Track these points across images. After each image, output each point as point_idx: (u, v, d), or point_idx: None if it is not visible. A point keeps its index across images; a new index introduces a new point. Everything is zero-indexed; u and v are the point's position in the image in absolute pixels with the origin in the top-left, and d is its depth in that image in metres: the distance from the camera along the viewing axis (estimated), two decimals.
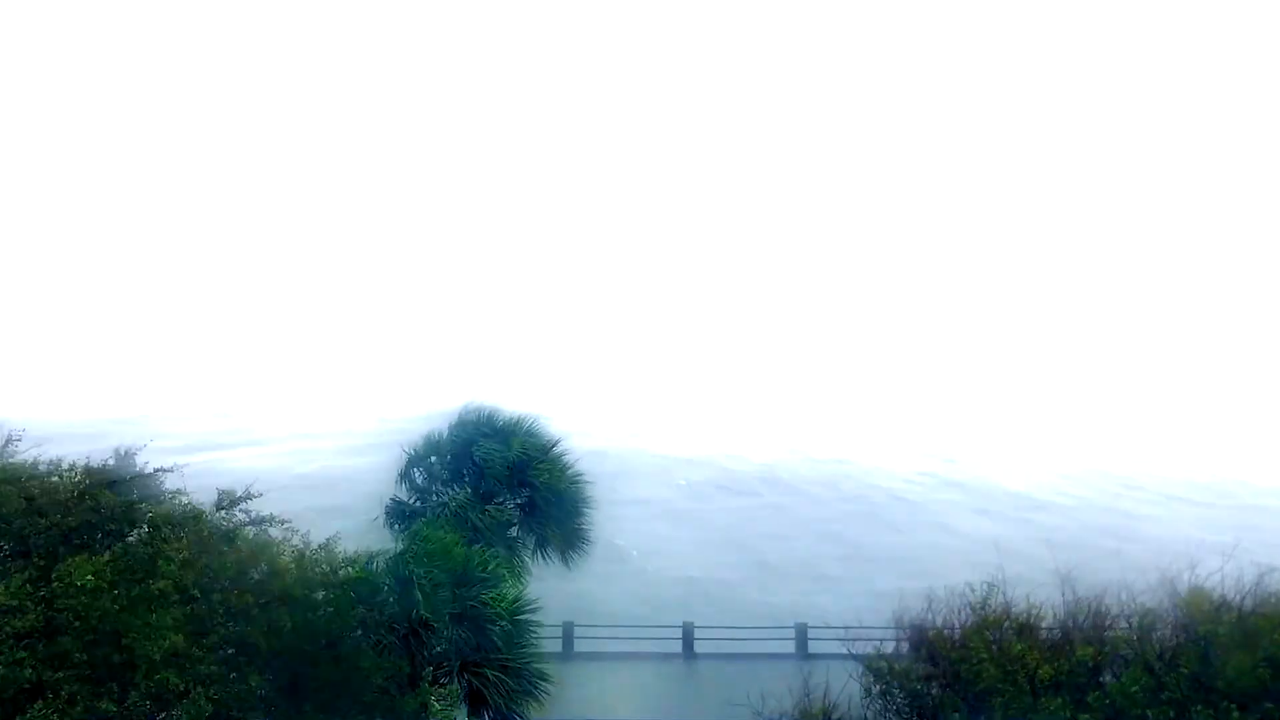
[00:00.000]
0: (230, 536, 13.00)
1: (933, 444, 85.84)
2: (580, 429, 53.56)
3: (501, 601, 15.49)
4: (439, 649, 15.04)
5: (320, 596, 13.25)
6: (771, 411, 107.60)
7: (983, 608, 14.00)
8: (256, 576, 12.74)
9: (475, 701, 15.18)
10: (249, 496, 13.68)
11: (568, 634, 28.33)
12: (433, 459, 20.57)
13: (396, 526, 18.87)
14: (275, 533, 13.76)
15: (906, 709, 13.22)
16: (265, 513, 13.68)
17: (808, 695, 13.88)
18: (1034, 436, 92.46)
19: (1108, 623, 13.18)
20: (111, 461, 13.29)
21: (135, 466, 13.52)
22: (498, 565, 16.65)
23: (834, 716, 13.50)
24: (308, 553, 13.61)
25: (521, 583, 18.48)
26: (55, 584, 10.86)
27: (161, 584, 11.29)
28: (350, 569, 13.75)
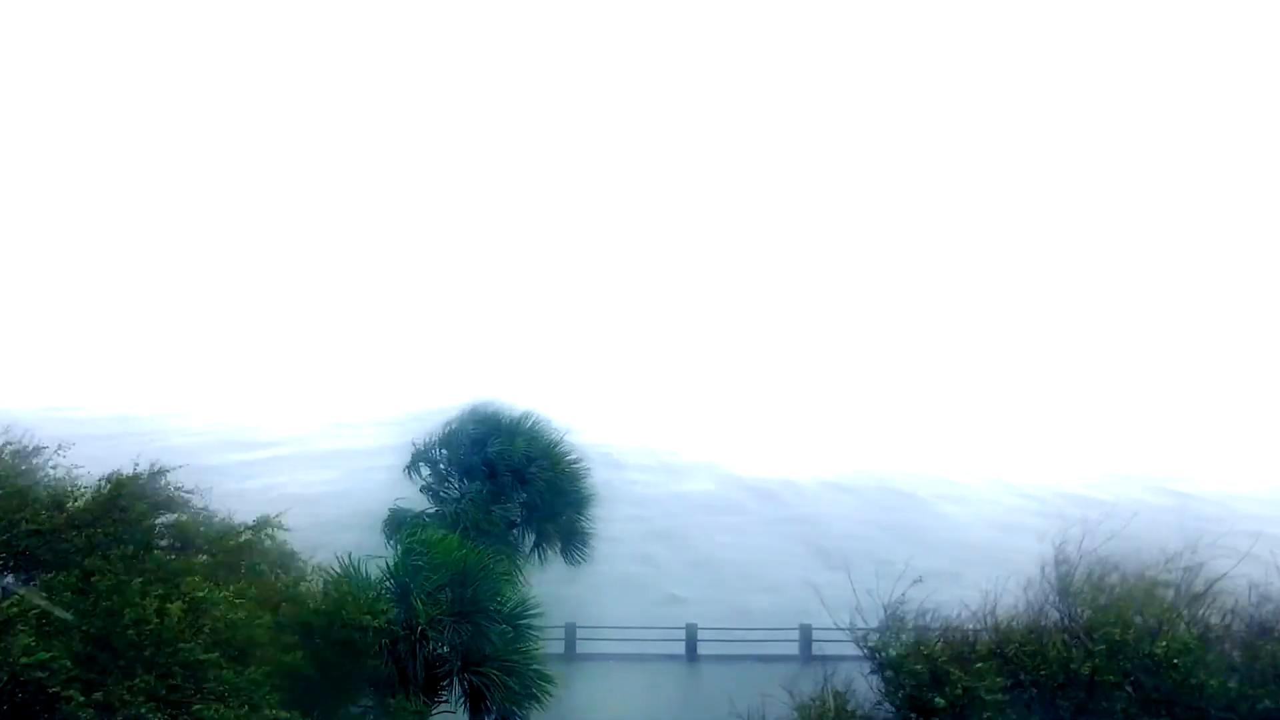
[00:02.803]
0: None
1: (937, 446, 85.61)
2: (584, 427, 53.52)
3: (502, 601, 15.40)
4: (439, 650, 14.95)
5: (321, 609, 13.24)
6: (776, 416, 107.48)
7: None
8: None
9: (476, 703, 15.05)
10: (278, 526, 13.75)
11: (570, 636, 28.17)
12: (436, 458, 20.52)
13: (400, 531, 18.77)
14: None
15: (913, 703, 12.97)
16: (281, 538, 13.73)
17: (821, 693, 13.67)
18: (1043, 436, 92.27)
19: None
20: (140, 471, 13.05)
21: (160, 478, 13.30)
22: (499, 565, 16.56)
23: (842, 715, 13.31)
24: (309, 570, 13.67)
25: (524, 582, 18.42)
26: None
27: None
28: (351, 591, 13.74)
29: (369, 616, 13.51)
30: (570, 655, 27.50)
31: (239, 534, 13.38)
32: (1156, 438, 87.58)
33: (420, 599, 13.98)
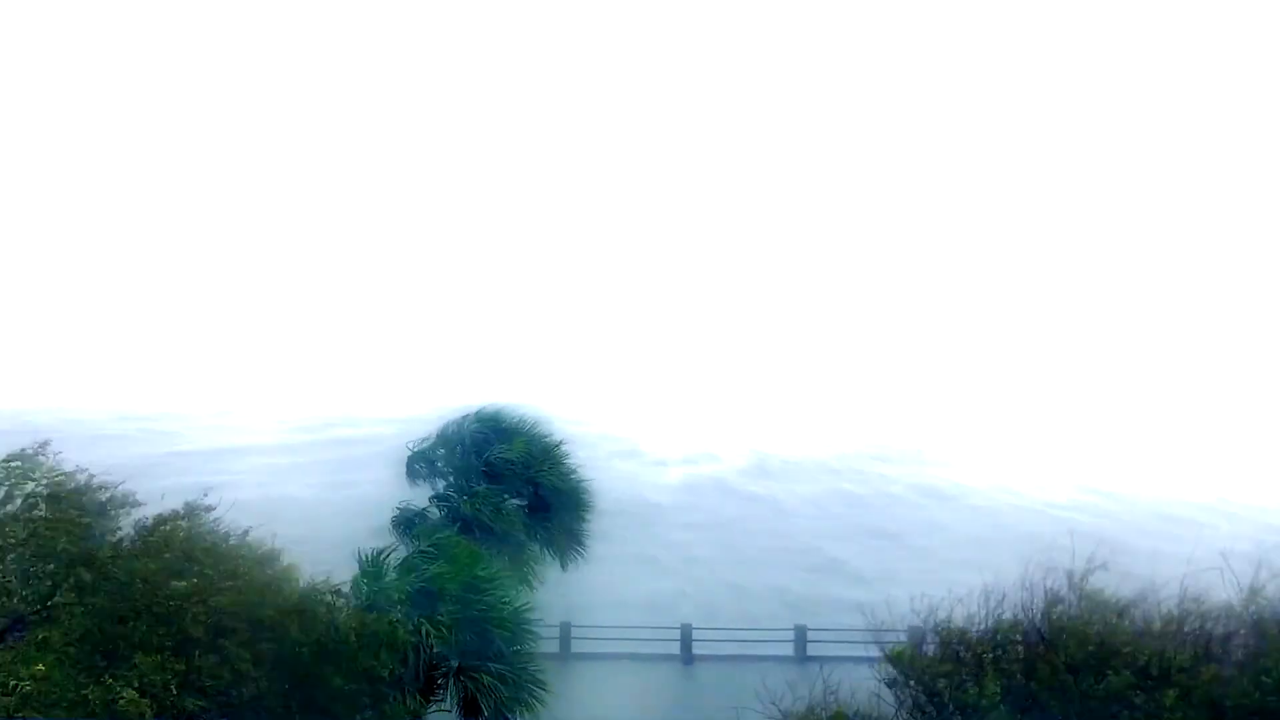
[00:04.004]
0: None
1: (921, 443, 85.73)
2: (586, 426, 53.75)
3: (502, 606, 15.44)
4: (438, 652, 15.01)
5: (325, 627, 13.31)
6: (775, 408, 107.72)
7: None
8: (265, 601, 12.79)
9: (470, 708, 15.13)
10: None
11: (565, 635, 28.21)
12: (438, 460, 20.51)
13: (404, 532, 18.71)
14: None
15: (926, 704, 13.08)
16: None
17: (825, 696, 13.77)
18: (1036, 441, 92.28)
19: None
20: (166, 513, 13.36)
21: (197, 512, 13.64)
22: (501, 568, 16.60)
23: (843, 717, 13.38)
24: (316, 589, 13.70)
25: (524, 585, 18.45)
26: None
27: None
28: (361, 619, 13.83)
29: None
30: (565, 654, 27.54)
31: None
32: (1159, 449, 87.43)
33: (435, 608, 14.11)
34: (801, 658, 28.04)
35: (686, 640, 29.36)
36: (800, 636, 28.95)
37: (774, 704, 14.11)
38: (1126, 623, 12.55)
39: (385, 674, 13.48)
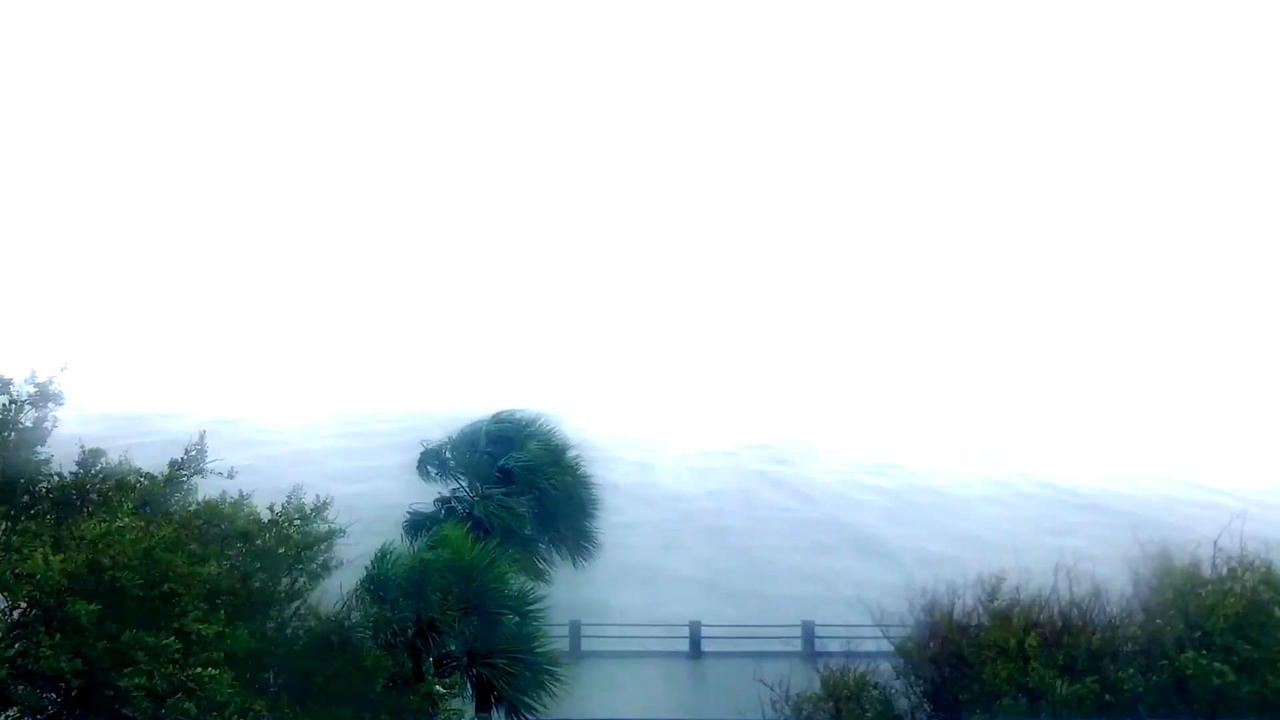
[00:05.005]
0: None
1: (968, 437, 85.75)
2: (594, 427, 54.08)
3: (510, 592, 15.64)
4: (449, 644, 15.18)
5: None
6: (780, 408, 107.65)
7: (990, 599, 14.25)
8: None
9: (484, 695, 15.31)
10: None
11: (575, 633, 28.52)
12: (449, 460, 20.81)
13: (415, 536, 18.89)
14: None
15: (930, 692, 13.53)
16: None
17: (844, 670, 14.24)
18: (1070, 431, 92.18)
19: (1111, 613, 13.51)
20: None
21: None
22: (508, 561, 16.84)
23: (849, 702, 13.82)
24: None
25: (537, 580, 18.75)
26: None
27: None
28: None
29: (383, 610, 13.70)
30: (576, 653, 27.84)
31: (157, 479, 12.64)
32: (1178, 434, 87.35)
33: (433, 593, 14.25)
34: (810, 653, 28.35)
35: (695, 637, 29.75)
36: (808, 632, 29.30)
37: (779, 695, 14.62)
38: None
39: (393, 665, 13.65)
